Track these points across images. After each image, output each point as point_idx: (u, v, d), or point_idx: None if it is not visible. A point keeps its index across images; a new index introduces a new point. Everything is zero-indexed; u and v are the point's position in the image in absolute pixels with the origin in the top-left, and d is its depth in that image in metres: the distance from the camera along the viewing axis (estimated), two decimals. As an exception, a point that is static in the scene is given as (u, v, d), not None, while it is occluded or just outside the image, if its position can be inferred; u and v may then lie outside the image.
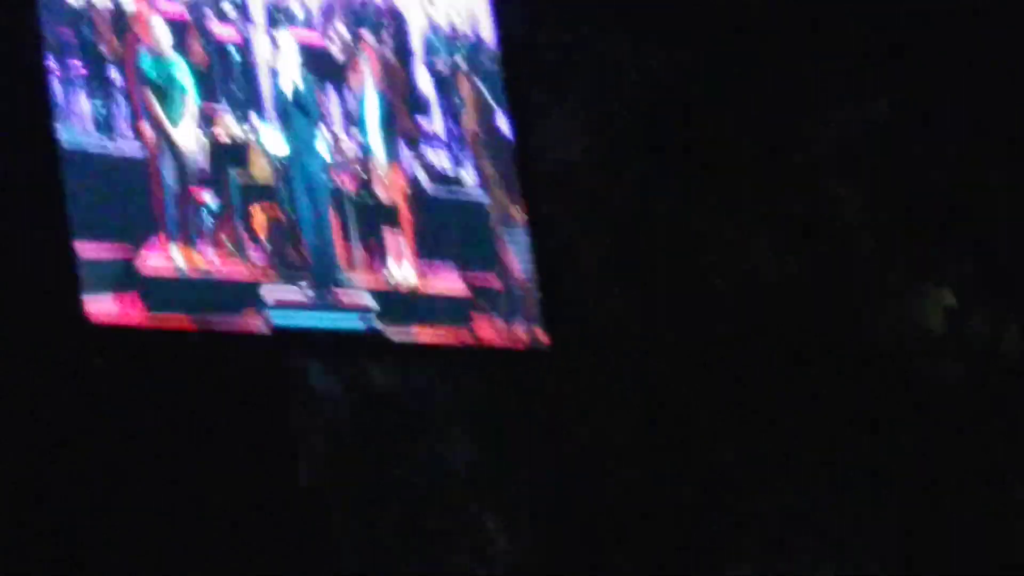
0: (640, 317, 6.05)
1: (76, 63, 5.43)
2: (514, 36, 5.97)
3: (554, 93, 6.08)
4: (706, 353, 6.00)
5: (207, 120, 5.65)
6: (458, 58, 6.08)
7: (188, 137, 5.58)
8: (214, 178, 5.61)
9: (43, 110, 5.30)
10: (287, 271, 5.66)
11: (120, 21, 5.54)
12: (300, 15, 5.90)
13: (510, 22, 5.97)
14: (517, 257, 5.96)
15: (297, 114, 5.78)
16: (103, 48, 5.47)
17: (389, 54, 5.98)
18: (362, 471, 5.81)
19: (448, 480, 5.80)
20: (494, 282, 5.94)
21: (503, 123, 6.00)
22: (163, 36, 5.60)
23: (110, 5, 5.51)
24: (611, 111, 6.08)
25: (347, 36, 5.95)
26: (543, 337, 5.90)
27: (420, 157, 5.96)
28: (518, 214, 5.98)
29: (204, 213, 5.59)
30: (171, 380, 5.63)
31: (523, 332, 5.92)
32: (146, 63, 5.55)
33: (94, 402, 5.50)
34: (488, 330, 5.88)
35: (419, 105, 5.98)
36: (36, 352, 5.34)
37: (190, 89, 5.61)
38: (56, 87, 5.33)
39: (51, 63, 5.33)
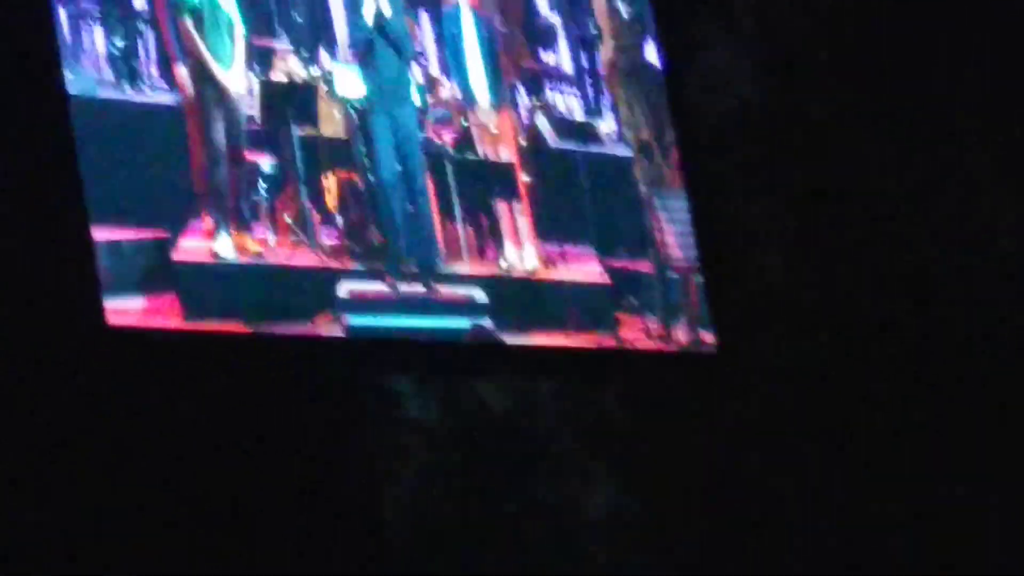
0: (830, 310, 5.25)
1: (86, -14, 4.52)
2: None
3: (718, 16, 5.25)
4: (913, 356, 5.29)
5: (262, 60, 4.71)
6: (591, -31, 5.25)
7: (237, 83, 4.65)
8: (271, 136, 4.70)
9: (47, 50, 4.44)
10: (368, 257, 4.79)
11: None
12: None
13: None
14: (674, 232, 5.16)
15: (382, 49, 4.84)
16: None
17: (499, -35, 5.13)
18: (465, 515, 5.01)
19: (582, 529, 5.10)
20: (644, 267, 5.14)
21: (653, 55, 5.18)
22: (201, -54, 4.67)
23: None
24: (791, 40, 5.28)
25: (442, -57, 5.09)
26: (709, 339, 5.15)
27: (541, 102, 5.10)
28: (674, 174, 5.16)
29: (259, 182, 4.69)
30: (219, 398, 4.79)
31: (683, 333, 5.14)
32: (180, -16, 4.65)
33: (121, 427, 4.69)
34: (637, 331, 5.07)
35: (539, 33, 5.12)
36: (50, 367, 4.55)
37: (237, 18, 4.66)
38: (62, 19, 4.43)
39: (54, -12, 4.40)
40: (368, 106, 4.77)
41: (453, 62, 4.92)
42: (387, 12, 4.82)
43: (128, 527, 4.61)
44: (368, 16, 4.80)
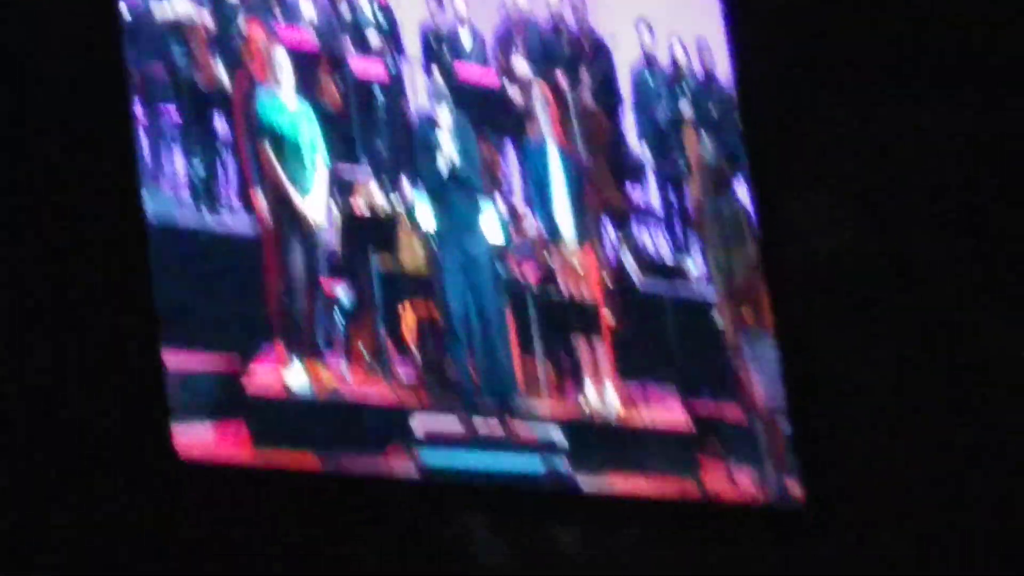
0: (926, 463, 5.04)
1: (168, 108, 4.47)
2: (757, 77, 5.01)
3: (811, 159, 5.12)
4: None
5: (342, 187, 4.64)
6: (683, 104, 5.11)
7: (317, 210, 4.58)
8: (350, 265, 4.63)
9: (126, 171, 4.36)
10: (444, 393, 4.67)
11: (226, 47, 4.53)
12: (468, 45, 4.91)
13: (752, 58, 5.01)
14: (761, 378, 4.98)
15: (460, 179, 4.76)
16: (201, 82, 4.50)
17: (588, 98, 4.99)
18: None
19: None
20: (731, 413, 4.96)
21: (743, 194, 5.06)
22: (285, 72, 4.58)
23: (212, 23, 4.52)
24: (888, 186, 5.14)
25: (529, 74, 4.96)
26: (796, 490, 4.95)
27: (628, 239, 4.99)
28: (763, 318, 5.01)
29: (336, 313, 4.60)
30: (286, 536, 4.61)
31: (770, 483, 4.95)
32: (263, 108, 4.53)
33: (185, 559, 4.53)
34: (721, 480, 4.90)
35: (627, 168, 5.03)
36: (119, 492, 4.43)
37: (320, 144, 4.60)
38: (142, 140, 4.38)
39: (136, 108, 4.34)
40: (447, 238, 4.69)
41: (537, 197, 4.84)
42: (461, 142, 4.74)
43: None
44: (445, 143, 4.72)
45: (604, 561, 4.83)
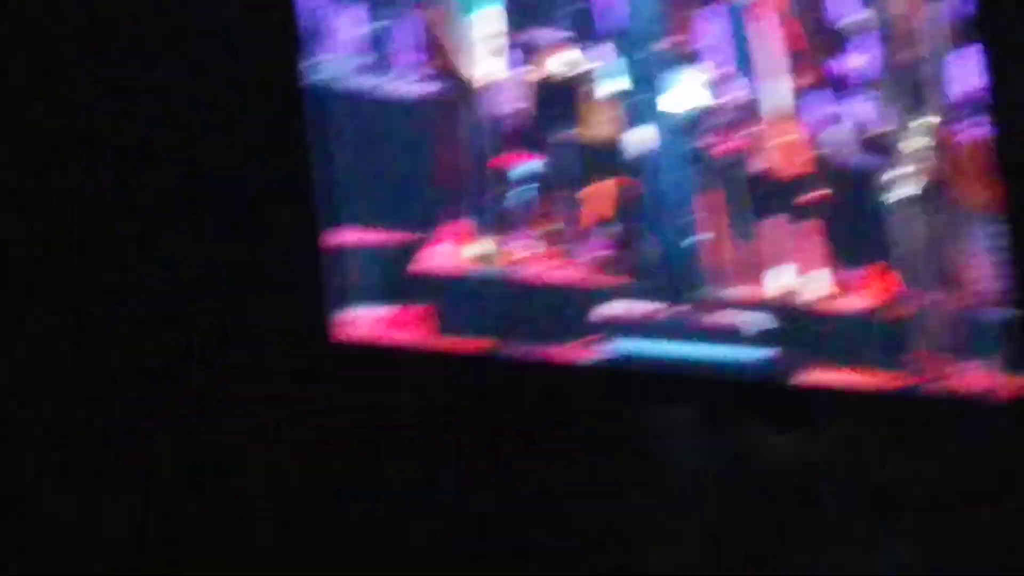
0: None
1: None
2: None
3: None
4: None
5: (526, 51, 4.66)
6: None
7: (499, 77, 4.61)
8: (534, 137, 4.66)
9: (289, 35, 4.47)
10: (637, 273, 4.70)
11: None
12: None
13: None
14: (987, 265, 4.88)
15: (651, 42, 4.72)
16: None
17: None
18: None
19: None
20: (950, 302, 4.89)
21: (970, 60, 4.89)
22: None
23: None
24: None
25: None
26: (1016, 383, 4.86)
27: (838, 111, 4.88)
28: (988, 199, 4.88)
29: (520, 188, 4.64)
30: (463, 421, 4.73)
31: (996, 375, 4.87)
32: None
33: (354, 455, 4.71)
34: (939, 371, 4.85)
35: (834, 35, 4.90)
36: (278, 381, 4.59)
37: (499, 7, 4.62)
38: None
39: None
40: (641, 107, 4.68)
41: (739, 63, 4.80)
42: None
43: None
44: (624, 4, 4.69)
45: (814, 461, 4.84)
